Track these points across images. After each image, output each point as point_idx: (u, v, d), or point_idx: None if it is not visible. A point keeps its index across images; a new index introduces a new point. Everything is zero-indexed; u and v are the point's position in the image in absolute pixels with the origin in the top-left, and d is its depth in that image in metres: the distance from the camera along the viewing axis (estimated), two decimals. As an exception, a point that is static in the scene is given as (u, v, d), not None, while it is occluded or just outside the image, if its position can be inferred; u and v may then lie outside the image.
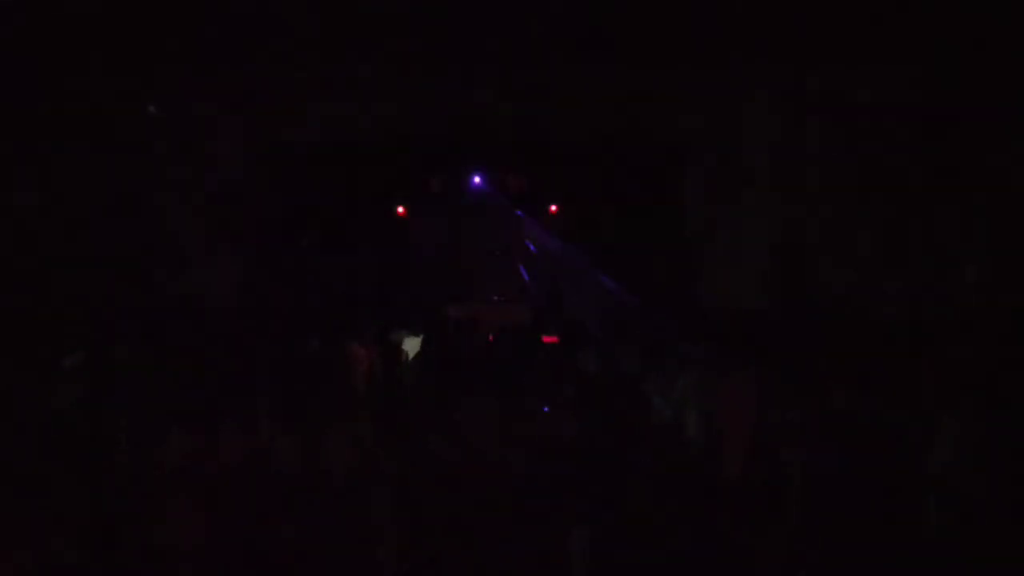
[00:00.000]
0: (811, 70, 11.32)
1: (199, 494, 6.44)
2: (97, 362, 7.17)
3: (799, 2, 10.48)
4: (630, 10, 11.13)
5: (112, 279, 12.60)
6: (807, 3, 10.46)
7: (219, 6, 11.08)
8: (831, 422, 5.54)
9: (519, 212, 18.55)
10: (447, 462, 7.59)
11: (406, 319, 11.97)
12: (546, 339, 13.55)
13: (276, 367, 9.79)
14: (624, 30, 11.79)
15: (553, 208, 18.56)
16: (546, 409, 8.21)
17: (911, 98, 10.60)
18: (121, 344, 9.01)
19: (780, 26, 10.76)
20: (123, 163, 12.96)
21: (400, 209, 18.70)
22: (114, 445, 5.31)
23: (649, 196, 17.37)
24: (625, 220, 17.51)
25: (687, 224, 15.75)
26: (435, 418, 9.13)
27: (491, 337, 12.54)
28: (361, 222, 19.12)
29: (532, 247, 18.99)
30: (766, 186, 13.22)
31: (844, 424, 5.50)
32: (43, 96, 11.74)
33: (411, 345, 10.58)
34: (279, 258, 15.31)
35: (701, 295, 14.56)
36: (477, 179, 17.83)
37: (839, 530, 4.79)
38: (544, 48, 12.10)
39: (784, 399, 6.44)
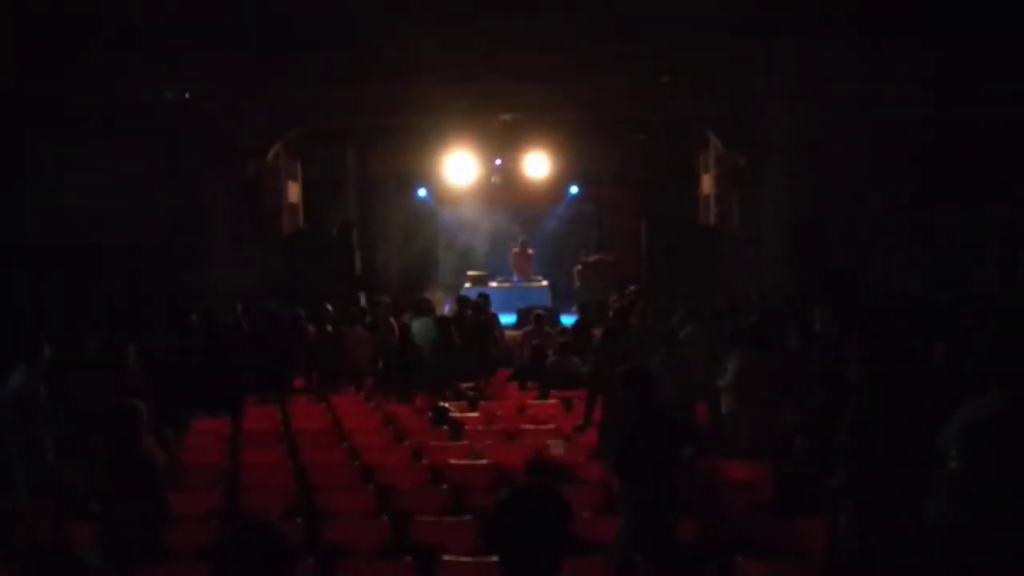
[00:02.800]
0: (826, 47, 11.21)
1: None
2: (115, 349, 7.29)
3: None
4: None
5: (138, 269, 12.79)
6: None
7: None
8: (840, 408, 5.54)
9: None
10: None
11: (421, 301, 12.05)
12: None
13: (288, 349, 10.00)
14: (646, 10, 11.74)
15: (573, 189, 18.57)
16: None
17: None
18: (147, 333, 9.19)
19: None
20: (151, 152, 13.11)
21: (423, 192, 18.78)
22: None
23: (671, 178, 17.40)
24: (645, 202, 17.50)
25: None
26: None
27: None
28: (387, 207, 19.26)
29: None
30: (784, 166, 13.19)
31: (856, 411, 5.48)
32: (69, 81, 11.88)
33: (419, 325, 10.68)
34: (302, 247, 15.43)
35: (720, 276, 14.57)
36: (498, 161, 17.82)
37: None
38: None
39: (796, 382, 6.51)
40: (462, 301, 12.26)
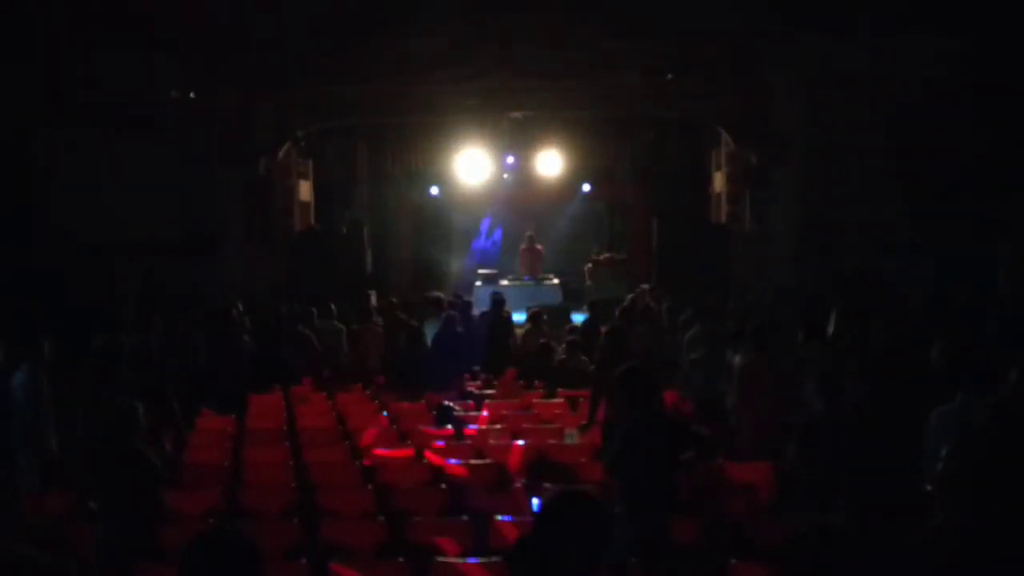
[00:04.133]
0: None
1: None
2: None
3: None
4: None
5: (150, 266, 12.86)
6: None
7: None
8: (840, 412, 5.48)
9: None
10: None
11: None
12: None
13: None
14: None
15: (586, 187, 18.51)
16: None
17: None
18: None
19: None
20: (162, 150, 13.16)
21: (434, 190, 18.76)
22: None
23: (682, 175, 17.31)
24: (657, 200, 17.42)
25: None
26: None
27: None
28: (398, 206, 19.27)
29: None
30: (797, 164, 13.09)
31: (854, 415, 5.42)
32: (81, 81, 11.95)
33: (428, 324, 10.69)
34: (313, 245, 15.44)
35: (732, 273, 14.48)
36: (510, 159, 17.78)
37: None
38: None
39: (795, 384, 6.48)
40: (451, 300, 12.28)
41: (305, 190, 16.47)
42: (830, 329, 8.83)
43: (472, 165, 16.98)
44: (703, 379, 7.73)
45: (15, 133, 11.98)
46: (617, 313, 10.39)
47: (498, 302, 11.63)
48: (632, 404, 5.33)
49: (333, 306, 11.15)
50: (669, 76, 13.44)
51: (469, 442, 7.67)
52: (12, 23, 10.61)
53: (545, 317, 11.95)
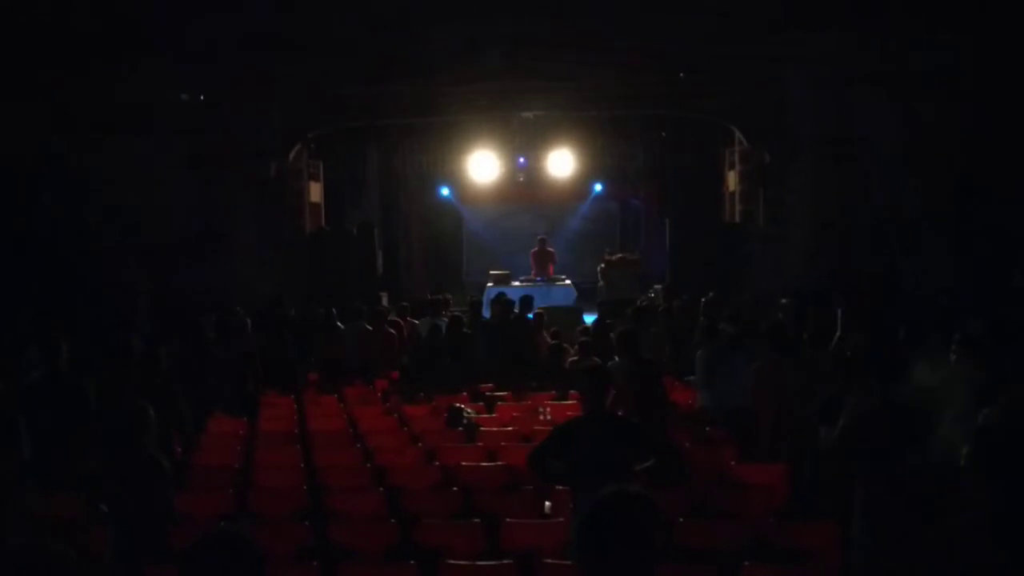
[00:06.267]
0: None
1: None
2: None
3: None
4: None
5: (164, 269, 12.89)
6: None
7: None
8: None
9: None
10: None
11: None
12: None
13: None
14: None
15: (598, 187, 18.47)
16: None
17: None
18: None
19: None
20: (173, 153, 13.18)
21: (445, 191, 18.76)
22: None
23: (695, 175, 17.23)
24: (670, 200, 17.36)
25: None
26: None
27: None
28: (409, 207, 19.27)
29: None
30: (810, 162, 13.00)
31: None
32: (94, 83, 11.98)
33: (427, 325, 10.67)
34: (324, 246, 15.44)
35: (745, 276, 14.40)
36: (521, 159, 17.74)
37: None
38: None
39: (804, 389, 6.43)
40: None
41: (315, 191, 16.47)
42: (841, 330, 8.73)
43: (483, 166, 16.95)
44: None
45: (27, 136, 12.02)
46: (630, 313, 10.33)
47: (507, 304, 11.05)
48: (589, 405, 5.16)
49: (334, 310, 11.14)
50: (681, 75, 13.38)
51: (480, 444, 7.64)
52: (19, 27, 10.64)
53: (545, 317, 11.77)
